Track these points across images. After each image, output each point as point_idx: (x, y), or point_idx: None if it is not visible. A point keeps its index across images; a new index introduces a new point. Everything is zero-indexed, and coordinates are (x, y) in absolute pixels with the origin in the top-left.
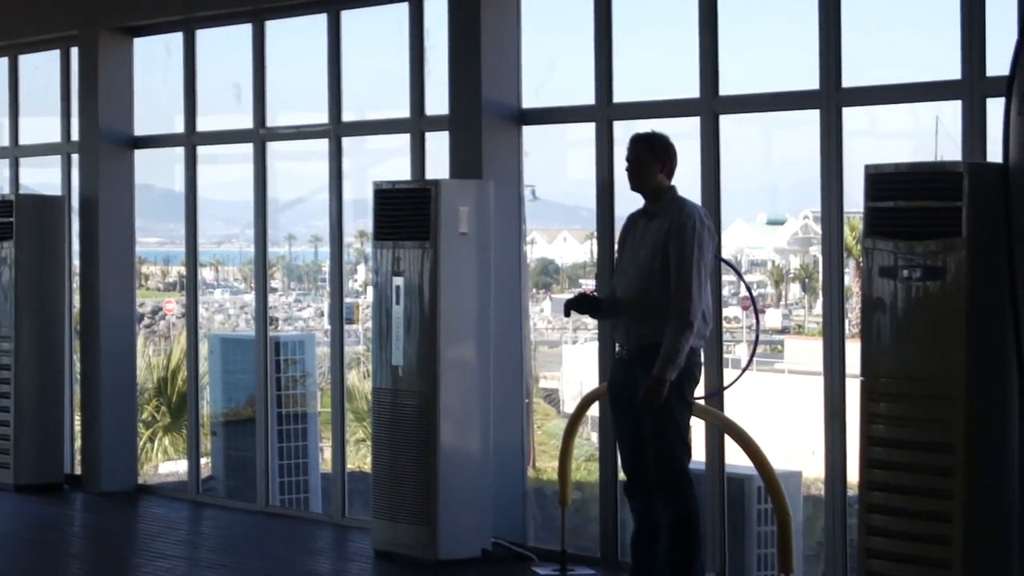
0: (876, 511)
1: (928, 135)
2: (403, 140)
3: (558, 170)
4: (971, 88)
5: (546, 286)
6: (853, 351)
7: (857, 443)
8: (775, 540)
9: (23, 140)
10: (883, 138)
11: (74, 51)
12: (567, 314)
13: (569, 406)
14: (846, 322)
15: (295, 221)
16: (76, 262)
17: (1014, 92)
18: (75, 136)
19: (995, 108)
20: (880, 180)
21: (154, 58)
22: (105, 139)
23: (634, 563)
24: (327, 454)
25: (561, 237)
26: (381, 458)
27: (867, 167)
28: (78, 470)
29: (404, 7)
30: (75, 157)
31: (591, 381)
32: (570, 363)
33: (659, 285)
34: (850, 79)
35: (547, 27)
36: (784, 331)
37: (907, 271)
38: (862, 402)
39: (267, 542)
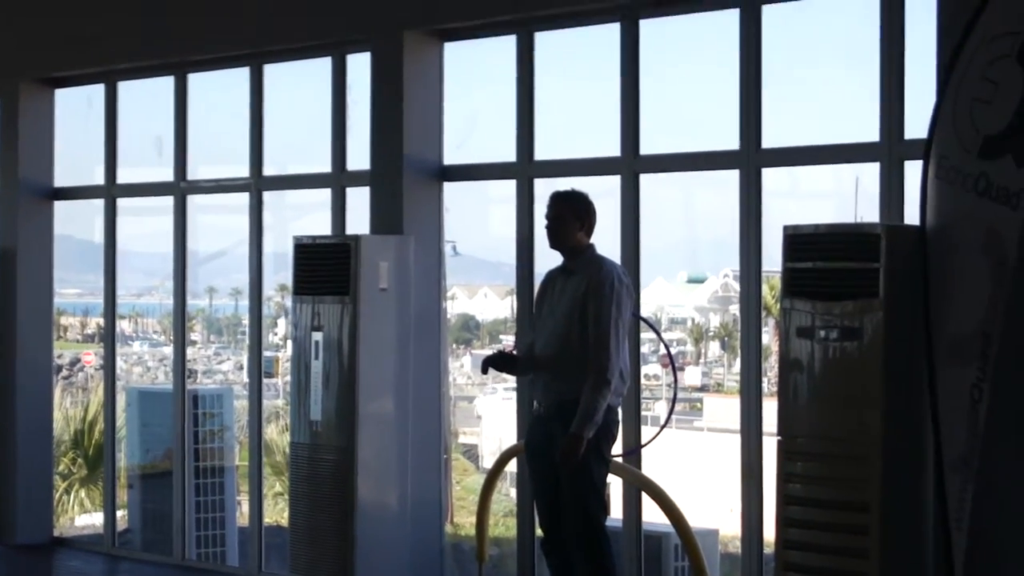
0: (792, 569)
1: (849, 196)
2: (324, 195)
3: (479, 226)
4: (889, 150)
5: (467, 342)
6: (771, 410)
7: (774, 502)
8: None
9: None
10: (804, 198)
11: None
12: (484, 371)
13: (488, 461)
14: (764, 381)
15: (216, 274)
16: None
17: (932, 155)
18: None
19: (913, 171)
20: (798, 240)
21: (76, 109)
22: (25, 189)
23: None
24: (244, 508)
25: (482, 293)
26: (298, 513)
27: (785, 227)
28: None
29: (327, 61)
30: None
31: (510, 437)
32: (489, 419)
33: (577, 343)
34: (770, 140)
35: (469, 84)
36: (703, 389)
37: (824, 331)
38: (779, 461)
39: None
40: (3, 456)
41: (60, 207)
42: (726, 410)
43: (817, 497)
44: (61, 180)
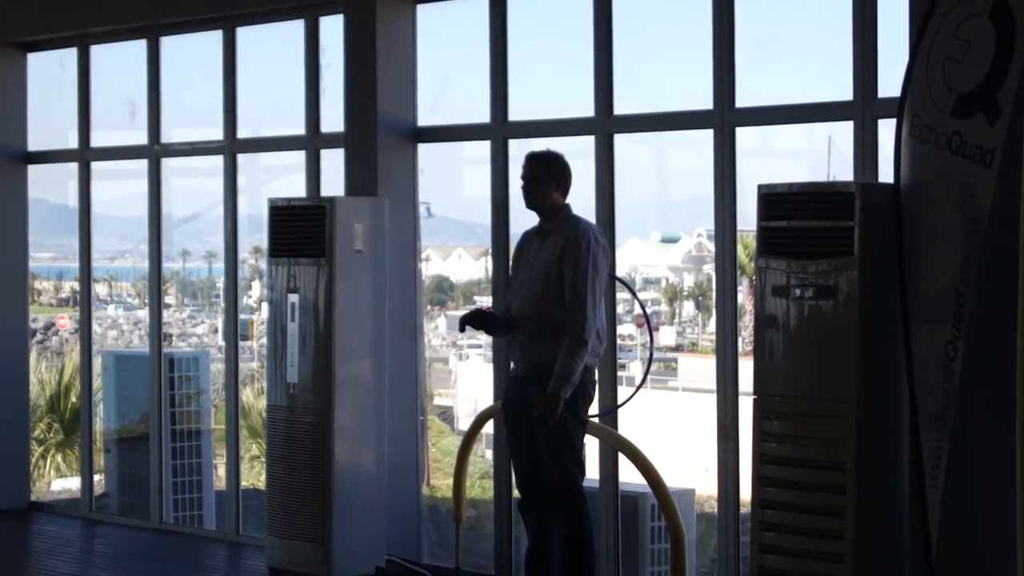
0: (768, 529)
1: (821, 155)
2: (298, 157)
3: (454, 187)
4: (863, 109)
5: (441, 303)
6: (746, 369)
7: (750, 461)
8: (669, 558)
9: None
10: (777, 158)
11: None
12: (462, 329)
13: (463, 423)
14: (739, 340)
15: (189, 237)
16: None
17: (905, 114)
18: None
19: (886, 129)
20: (773, 199)
21: (48, 73)
22: None
23: None
24: (221, 471)
25: (456, 254)
26: (275, 475)
27: (760, 187)
28: None
29: (300, 24)
30: None
31: (485, 398)
32: (464, 380)
33: (553, 303)
34: (743, 99)
35: (443, 45)
36: (678, 349)
37: (799, 290)
38: (754, 420)
39: (161, 559)
40: None
41: (34, 171)
42: (701, 370)
43: (793, 456)
44: (35, 144)
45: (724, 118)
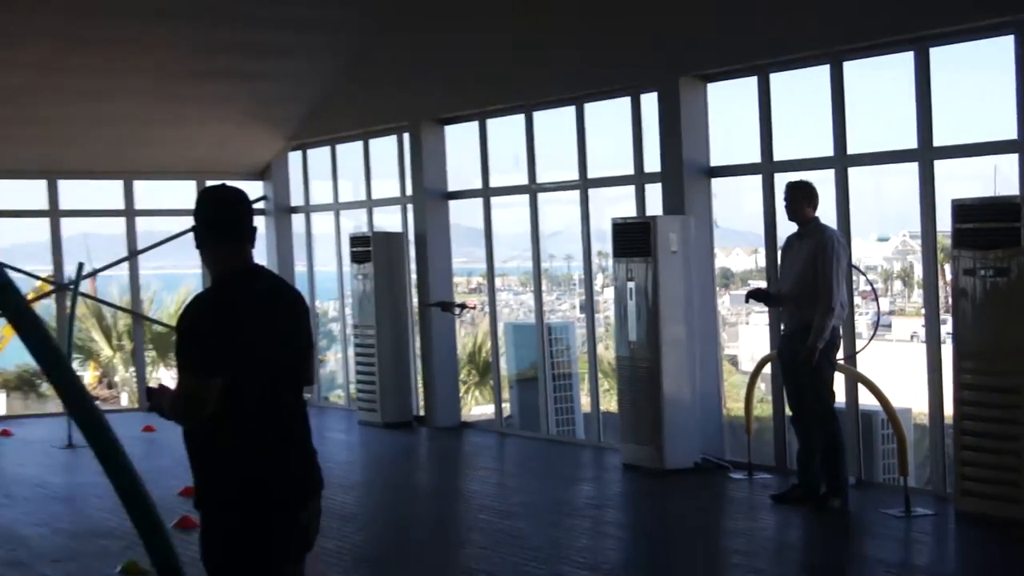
0: (966, 434)
1: (989, 178)
2: (628, 189)
3: (735, 207)
4: None
5: (725, 285)
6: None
7: (951, 389)
8: (895, 454)
9: (375, 195)
10: (958, 180)
11: (405, 136)
12: (747, 301)
13: (745, 366)
14: (939, 308)
15: (554, 245)
16: (413, 276)
17: None
18: (408, 192)
19: None
20: (963, 209)
21: None
22: (429, 193)
23: (799, 470)
24: (584, 400)
25: (735, 252)
26: (624, 402)
27: (953, 200)
28: (422, 412)
29: (626, 101)
30: (410, 207)
31: (761, 349)
32: (745, 337)
33: (811, 284)
34: (939, 139)
35: (728, 105)
36: (891, 313)
37: (983, 271)
38: (954, 362)
39: (549, 459)
40: (427, 368)
41: (452, 204)
42: (908, 327)
43: (982, 384)
44: (453, 185)
45: (925, 154)
